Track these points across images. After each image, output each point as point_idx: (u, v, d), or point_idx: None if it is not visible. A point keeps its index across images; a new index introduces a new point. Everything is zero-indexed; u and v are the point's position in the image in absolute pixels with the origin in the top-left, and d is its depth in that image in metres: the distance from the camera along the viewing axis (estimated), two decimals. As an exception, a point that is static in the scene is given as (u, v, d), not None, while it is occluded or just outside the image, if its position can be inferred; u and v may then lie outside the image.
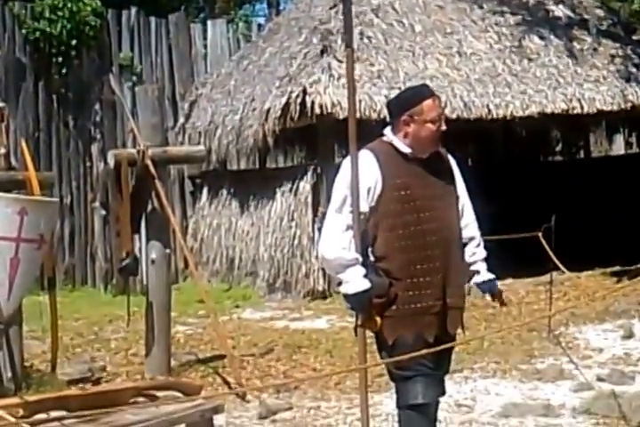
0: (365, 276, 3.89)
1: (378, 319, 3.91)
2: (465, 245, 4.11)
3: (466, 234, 4.11)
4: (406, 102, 4.00)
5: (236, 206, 11.08)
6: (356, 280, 3.88)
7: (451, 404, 5.65)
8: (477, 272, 4.13)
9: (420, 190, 3.95)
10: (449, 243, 3.98)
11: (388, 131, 4.06)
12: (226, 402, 5.93)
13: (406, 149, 3.99)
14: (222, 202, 11.39)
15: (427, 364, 3.89)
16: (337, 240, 3.89)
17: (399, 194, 3.92)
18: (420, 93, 4.04)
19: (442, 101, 4.14)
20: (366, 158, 3.96)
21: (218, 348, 7.19)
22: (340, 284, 3.94)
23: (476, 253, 4.13)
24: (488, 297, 4.17)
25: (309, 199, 9.69)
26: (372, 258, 3.93)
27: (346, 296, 3.94)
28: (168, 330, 6.65)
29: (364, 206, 3.92)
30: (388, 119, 4.20)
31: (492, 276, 4.16)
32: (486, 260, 4.17)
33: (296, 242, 9.81)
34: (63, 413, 2.97)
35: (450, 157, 4.17)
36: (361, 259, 3.91)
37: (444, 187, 4.04)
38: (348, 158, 3.97)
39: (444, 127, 3.99)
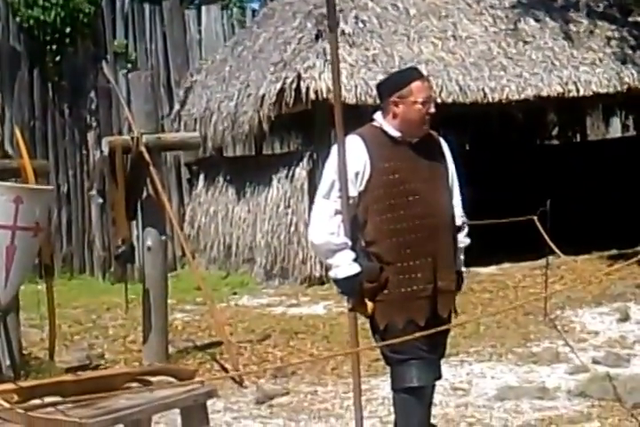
0: (355, 260, 3.91)
1: (370, 304, 3.92)
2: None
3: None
4: (395, 84, 4.01)
5: (233, 193, 11.09)
6: (345, 265, 3.90)
7: (446, 387, 5.67)
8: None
9: (408, 174, 3.95)
10: (438, 226, 3.99)
11: (378, 115, 4.08)
12: (223, 388, 5.98)
13: (395, 133, 4.00)
14: (219, 189, 11.40)
15: (421, 347, 3.91)
16: (325, 225, 3.91)
17: (388, 178, 3.93)
18: (408, 75, 4.08)
19: (431, 84, 4.14)
20: (354, 143, 3.97)
21: (215, 335, 7.21)
22: (330, 269, 3.96)
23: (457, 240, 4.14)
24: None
25: (305, 185, 9.68)
26: (362, 243, 3.95)
27: (336, 281, 3.96)
28: (165, 317, 6.67)
29: (353, 191, 3.94)
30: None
31: (462, 268, 4.17)
32: (467, 248, 4.18)
33: (292, 228, 9.82)
34: (57, 398, 3.00)
35: (442, 141, 4.17)
36: (350, 243, 3.92)
37: (434, 170, 4.04)
38: (344, 142, 3.98)
39: (432, 110, 4.00)
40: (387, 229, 3.92)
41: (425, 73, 9.52)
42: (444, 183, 4.08)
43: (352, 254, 3.91)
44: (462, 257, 4.18)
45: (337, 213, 3.91)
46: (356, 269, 3.89)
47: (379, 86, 4.22)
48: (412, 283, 3.92)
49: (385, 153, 3.96)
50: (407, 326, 3.87)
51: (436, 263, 3.97)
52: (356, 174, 3.93)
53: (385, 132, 4.01)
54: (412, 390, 3.95)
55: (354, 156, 3.93)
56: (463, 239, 4.15)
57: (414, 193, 3.94)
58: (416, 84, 3.97)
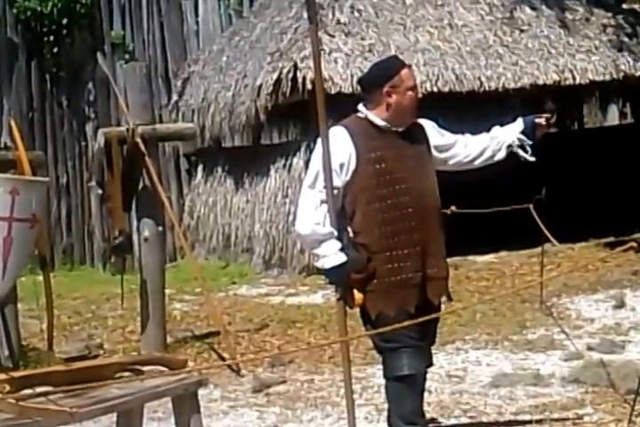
0: (341, 250, 3.94)
1: (359, 295, 3.96)
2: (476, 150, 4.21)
3: (473, 142, 4.22)
4: (384, 74, 4.04)
5: (231, 183, 11.12)
6: (331, 254, 3.92)
7: (442, 375, 5.72)
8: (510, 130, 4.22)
9: (395, 163, 3.98)
10: (426, 214, 4.01)
11: (361, 107, 4.10)
12: (221, 377, 6.03)
13: (381, 122, 4.03)
14: (217, 179, 11.43)
15: (411, 335, 3.94)
16: (311, 216, 3.94)
17: (374, 168, 3.96)
18: (395, 64, 4.12)
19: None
20: (339, 134, 4.00)
21: (213, 324, 7.25)
22: (317, 259, 4.00)
23: (487, 136, 4.25)
24: (542, 121, 4.24)
25: (303, 175, 9.68)
26: (350, 233, 3.97)
27: (323, 271, 3.99)
28: (163, 307, 6.70)
29: (338, 182, 3.96)
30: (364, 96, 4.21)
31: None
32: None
33: (290, 218, 9.82)
34: (49, 388, 3.04)
35: (424, 123, 4.19)
36: (336, 233, 3.95)
37: (421, 158, 4.07)
38: (328, 134, 4.01)
39: (420, 95, 4.09)
40: (374, 218, 3.95)
41: (421, 62, 9.66)
42: (431, 171, 4.11)
43: (338, 244, 3.94)
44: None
45: (322, 202, 3.95)
46: (342, 258, 3.92)
47: (362, 80, 4.24)
48: (401, 271, 3.95)
49: (371, 143, 3.99)
50: (399, 315, 3.90)
51: (425, 251, 4.00)
52: (341, 165, 3.96)
53: (371, 122, 4.03)
54: (403, 377, 3.98)
55: (338, 147, 3.96)
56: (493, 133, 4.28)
57: (401, 182, 3.97)
58: (405, 72, 4.03)
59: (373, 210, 3.96)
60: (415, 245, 3.97)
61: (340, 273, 3.93)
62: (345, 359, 3.95)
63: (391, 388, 4.06)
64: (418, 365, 4.00)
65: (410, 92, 4.00)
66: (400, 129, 4.05)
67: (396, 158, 3.99)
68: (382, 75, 4.05)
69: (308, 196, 3.98)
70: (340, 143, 3.97)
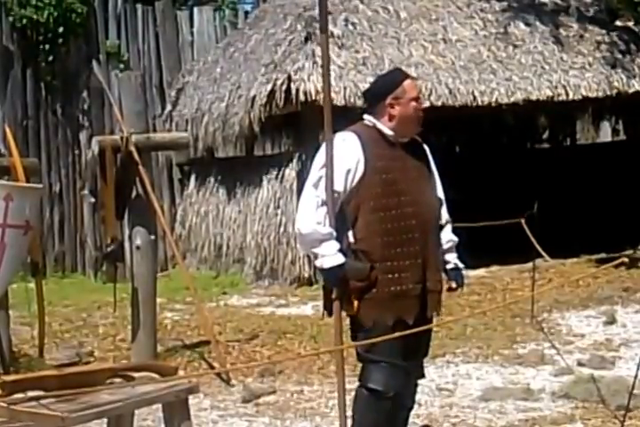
0: (340, 250, 3.93)
1: (355, 303, 3.95)
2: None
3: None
4: (388, 86, 4.06)
5: (224, 194, 11.13)
6: (331, 255, 3.92)
7: (432, 388, 5.71)
8: (447, 260, 4.16)
9: (401, 174, 3.99)
10: (428, 226, 4.01)
11: (368, 117, 4.09)
12: (211, 386, 6.02)
13: (390, 132, 4.03)
14: (210, 189, 11.44)
15: (396, 352, 3.89)
16: (312, 215, 3.93)
17: (381, 177, 3.95)
18: (397, 76, 4.15)
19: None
20: (350, 140, 3.99)
21: (204, 334, 7.25)
22: (315, 258, 3.98)
23: (445, 239, 4.17)
24: (453, 284, 4.19)
25: (295, 186, 9.73)
26: (351, 239, 3.95)
27: (322, 271, 3.99)
28: (154, 316, 6.68)
29: (340, 186, 3.95)
30: (367, 108, 4.22)
31: (461, 265, 4.20)
32: (457, 247, 4.22)
33: (282, 229, 9.86)
34: (41, 393, 3.04)
35: (424, 144, 4.21)
36: (335, 234, 3.94)
37: (421, 171, 4.09)
38: (333, 138, 3.99)
39: (423, 105, 4.14)
40: (378, 227, 3.94)
41: (415, 75, 9.72)
42: (431, 184, 4.12)
43: (337, 245, 3.93)
44: (456, 254, 4.20)
45: (324, 203, 3.94)
46: (340, 259, 3.92)
47: (367, 92, 4.27)
48: (401, 282, 3.93)
49: (379, 152, 3.99)
50: (396, 325, 3.87)
51: (425, 263, 3.98)
52: (348, 171, 3.94)
53: (379, 131, 4.03)
54: (375, 391, 3.94)
55: (347, 152, 3.95)
56: (452, 237, 4.18)
57: (406, 193, 3.97)
58: (407, 83, 4.05)
59: (377, 219, 3.94)
60: (416, 257, 3.96)
61: (337, 273, 3.92)
62: (339, 368, 3.93)
63: (360, 394, 4.00)
64: (393, 384, 3.92)
65: (413, 103, 4.02)
66: (404, 140, 4.07)
67: (401, 169, 4.00)
68: (386, 86, 4.06)
69: (310, 195, 3.97)
70: (350, 149, 3.96)
